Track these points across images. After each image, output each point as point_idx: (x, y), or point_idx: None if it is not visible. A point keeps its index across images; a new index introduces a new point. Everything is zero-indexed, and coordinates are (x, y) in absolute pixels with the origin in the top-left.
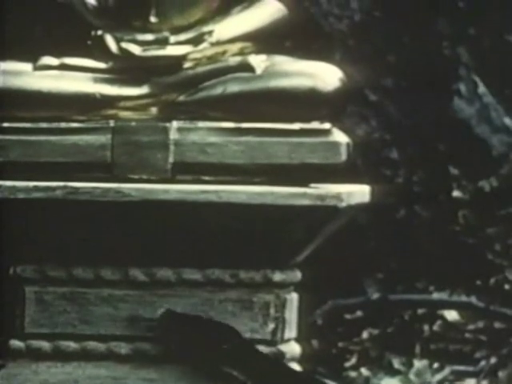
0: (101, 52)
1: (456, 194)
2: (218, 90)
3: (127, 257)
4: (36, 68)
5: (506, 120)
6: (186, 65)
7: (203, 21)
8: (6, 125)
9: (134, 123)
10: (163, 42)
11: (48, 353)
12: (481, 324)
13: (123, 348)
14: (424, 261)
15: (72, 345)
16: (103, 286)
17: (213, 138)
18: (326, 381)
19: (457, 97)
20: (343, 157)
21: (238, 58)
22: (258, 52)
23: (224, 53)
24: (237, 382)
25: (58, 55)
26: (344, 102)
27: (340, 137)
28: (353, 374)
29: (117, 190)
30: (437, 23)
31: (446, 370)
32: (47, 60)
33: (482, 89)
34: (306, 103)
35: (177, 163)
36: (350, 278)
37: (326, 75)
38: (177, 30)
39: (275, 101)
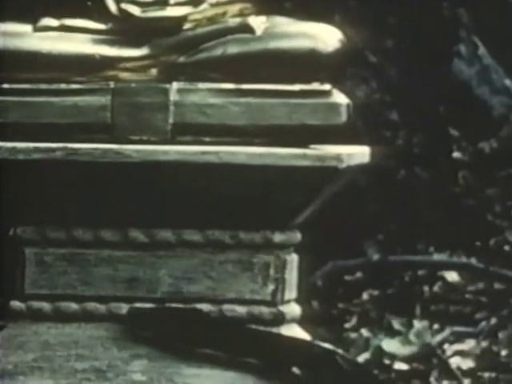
0: (100, 13)
1: (456, 155)
2: (218, 52)
3: (127, 218)
4: (36, 29)
5: (506, 81)
6: (186, 26)
7: None
8: (5, 86)
9: (133, 84)
10: (163, 3)
11: (48, 314)
12: (481, 285)
13: (123, 309)
14: (424, 222)
15: (72, 306)
16: (103, 247)
17: (213, 99)
18: (317, 342)
19: (457, 58)
20: (343, 118)
21: (237, 19)
22: (257, 13)
23: (224, 14)
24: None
25: (57, 16)
26: (344, 64)
27: (340, 98)
28: (353, 335)
29: (117, 151)
30: None
31: (446, 331)
32: (47, 21)
33: (482, 50)
34: (305, 64)
35: (177, 124)
36: (350, 239)
37: (326, 36)
38: None
39: (275, 62)
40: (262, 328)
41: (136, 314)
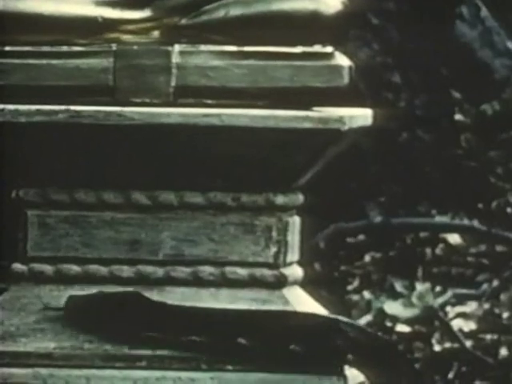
0: None
1: (458, 117)
2: (220, 14)
3: (129, 180)
4: None
5: (509, 44)
6: None
7: None
8: (7, 48)
9: (136, 47)
10: None
11: (50, 276)
12: (483, 247)
13: (125, 271)
14: (426, 184)
15: (74, 268)
16: (105, 209)
17: (215, 62)
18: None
19: (459, 20)
20: (345, 80)
21: None
22: None
23: None
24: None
25: None
26: (346, 26)
27: (342, 60)
28: (355, 297)
29: (119, 113)
30: None
31: (448, 293)
32: None
33: (484, 12)
34: (308, 26)
35: (179, 87)
36: (352, 201)
37: None
38: None
39: (277, 24)
40: (203, 305)
41: (74, 303)
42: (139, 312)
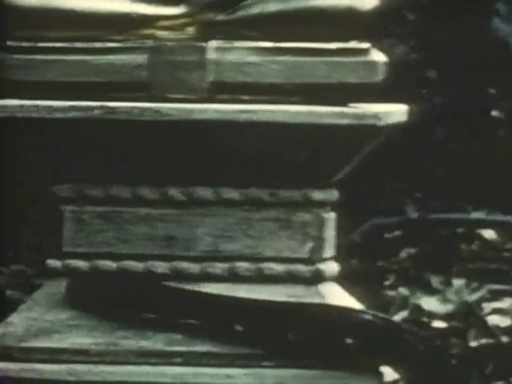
0: None
1: (494, 113)
2: (256, 10)
3: (165, 176)
4: None
5: None
6: None
7: None
8: (42, 45)
9: (170, 43)
10: None
11: (85, 272)
12: None
13: (161, 267)
14: (462, 180)
15: (109, 264)
16: (141, 205)
17: (251, 58)
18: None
19: (496, 16)
20: (381, 76)
21: None
22: None
23: None
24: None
25: None
26: (382, 21)
27: (378, 56)
28: (391, 293)
29: (155, 109)
30: None
31: (484, 289)
32: None
33: None
34: (344, 22)
35: (214, 83)
36: (388, 197)
37: None
38: None
39: (313, 20)
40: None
41: (75, 280)
42: (142, 293)
